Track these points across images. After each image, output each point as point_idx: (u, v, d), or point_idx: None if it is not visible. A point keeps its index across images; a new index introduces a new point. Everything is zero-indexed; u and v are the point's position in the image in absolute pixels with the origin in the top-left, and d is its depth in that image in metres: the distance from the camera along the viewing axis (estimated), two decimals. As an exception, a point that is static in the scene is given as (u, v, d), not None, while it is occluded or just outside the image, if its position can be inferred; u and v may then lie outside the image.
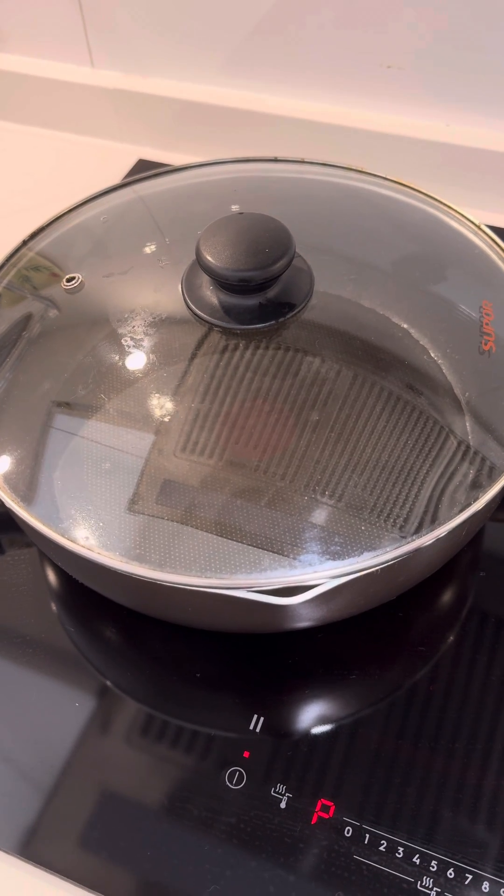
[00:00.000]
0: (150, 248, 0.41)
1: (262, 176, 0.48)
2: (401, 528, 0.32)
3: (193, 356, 0.36)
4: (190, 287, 0.37)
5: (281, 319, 0.36)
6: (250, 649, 0.38)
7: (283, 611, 0.31)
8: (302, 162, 0.47)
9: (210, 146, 0.65)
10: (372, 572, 0.31)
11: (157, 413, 0.34)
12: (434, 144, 0.59)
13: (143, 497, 0.33)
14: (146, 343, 0.36)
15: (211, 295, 0.36)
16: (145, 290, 0.38)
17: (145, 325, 0.37)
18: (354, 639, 0.38)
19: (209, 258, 0.35)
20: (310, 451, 0.33)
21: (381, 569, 0.31)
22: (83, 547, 0.32)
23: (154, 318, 0.37)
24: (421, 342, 0.37)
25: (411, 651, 0.38)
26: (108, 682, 0.38)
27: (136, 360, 0.36)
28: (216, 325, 0.36)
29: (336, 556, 0.31)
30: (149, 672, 0.38)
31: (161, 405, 0.35)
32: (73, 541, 0.32)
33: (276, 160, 0.48)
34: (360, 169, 0.46)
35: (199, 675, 0.38)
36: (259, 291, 0.36)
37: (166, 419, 0.34)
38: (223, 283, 0.35)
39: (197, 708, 0.37)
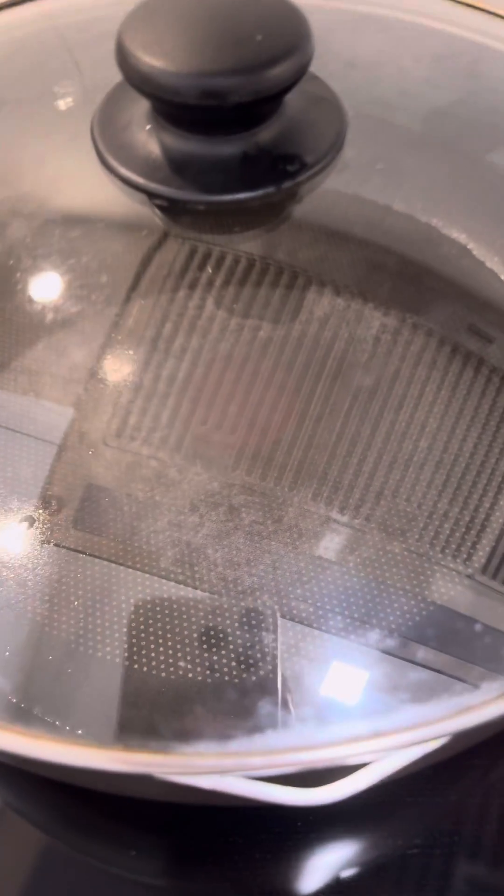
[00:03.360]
0: (58, 89, 0.23)
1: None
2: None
3: (117, 263, 0.18)
4: (109, 130, 0.19)
5: (285, 184, 0.18)
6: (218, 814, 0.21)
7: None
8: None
9: None
10: (462, 732, 0.14)
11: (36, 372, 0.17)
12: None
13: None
14: (32, 245, 0.19)
15: (149, 140, 0.19)
16: (29, 150, 0.21)
17: (12, 212, 0.19)
18: (396, 803, 0.21)
19: (142, 56, 0.17)
20: (315, 458, 0.16)
21: (475, 727, 0.14)
22: None
23: (39, 197, 0.19)
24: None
25: (495, 819, 0.22)
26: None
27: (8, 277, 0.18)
28: (159, 196, 0.18)
29: (393, 707, 0.14)
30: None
31: (44, 362, 0.17)
32: None
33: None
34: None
35: (134, 853, 0.21)
36: (242, 127, 0.18)
37: (53, 388, 0.17)
38: (172, 107, 0.17)
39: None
